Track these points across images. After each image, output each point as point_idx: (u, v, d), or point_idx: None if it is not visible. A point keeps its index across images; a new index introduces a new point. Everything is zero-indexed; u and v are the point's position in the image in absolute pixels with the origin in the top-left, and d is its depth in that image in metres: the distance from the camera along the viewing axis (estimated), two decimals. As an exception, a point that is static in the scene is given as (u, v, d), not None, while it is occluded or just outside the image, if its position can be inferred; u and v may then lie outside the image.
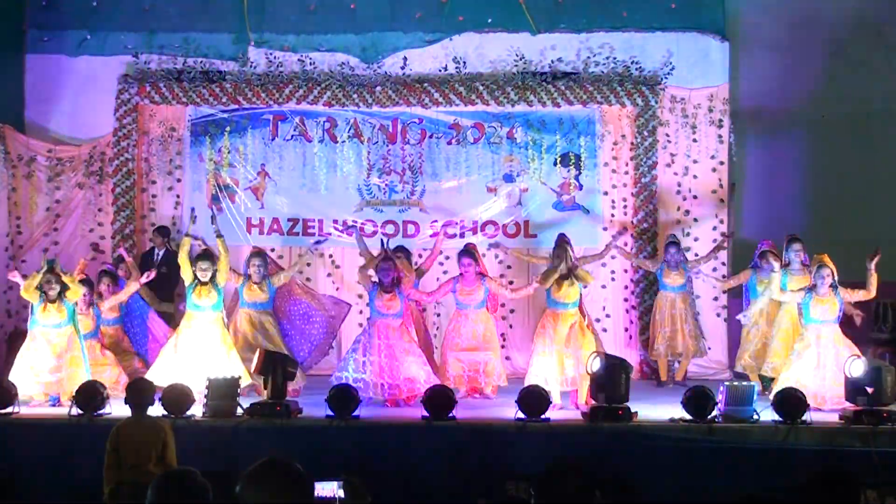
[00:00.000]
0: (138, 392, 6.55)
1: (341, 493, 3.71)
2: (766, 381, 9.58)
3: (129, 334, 10.17)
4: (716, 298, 11.74)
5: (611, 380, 7.91)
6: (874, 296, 9.08)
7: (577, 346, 9.01)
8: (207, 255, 9.34)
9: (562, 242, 9.46)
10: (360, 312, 11.80)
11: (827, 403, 8.55)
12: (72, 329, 8.79)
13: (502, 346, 10.67)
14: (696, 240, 11.78)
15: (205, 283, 9.07)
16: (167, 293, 11.22)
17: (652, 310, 11.00)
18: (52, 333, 8.73)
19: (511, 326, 11.84)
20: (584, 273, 9.34)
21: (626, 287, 11.85)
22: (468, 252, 9.90)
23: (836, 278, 8.91)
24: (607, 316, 11.82)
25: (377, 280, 9.30)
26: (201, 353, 8.84)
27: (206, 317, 9.06)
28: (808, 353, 8.79)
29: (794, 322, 9.33)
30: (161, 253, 11.34)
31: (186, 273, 9.15)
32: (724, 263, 11.78)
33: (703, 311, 11.60)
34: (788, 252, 9.73)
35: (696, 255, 11.48)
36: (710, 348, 11.20)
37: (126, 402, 6.55)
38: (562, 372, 8.97)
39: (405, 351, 9.09)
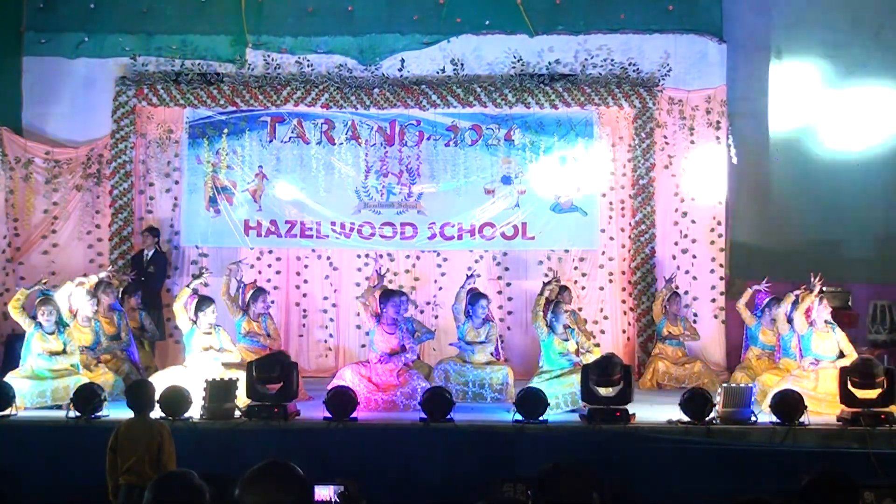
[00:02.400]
0: (138, 394, 6.56)
1: (337, 499, 3.72)
2: None
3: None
4: (713, 300, 11.74)
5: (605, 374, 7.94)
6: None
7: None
8: (209, 301, 9.11)
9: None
10: (358, 314, 11.83)
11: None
12: (68, 363, 8.68)
13: (502, 347, 10.62)
14: (693, 241, 11.79)
15: (208, 332, 8.90)
16: (154, 292, 11.24)
17: (650, 364, 10.77)
18: (48, 364, 8.62)
19: (509, 328, 11.84)
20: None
21: (624, 289, 11.85)
22: (486, 296, 9.95)
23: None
24: (605, 318, 11.82)
25: (379, 314, 9.16)
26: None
27: (213, 364, 8.86)
28: (805, 380, 8.60)
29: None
30: (150, 253, 11.36)
31: (183, 322, 8.94)
32: (721, 265, 11.78)
33: (701, 313, 11.64)
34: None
35: (694, 256, 11.60)
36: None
37: (127, 404, 6.56)
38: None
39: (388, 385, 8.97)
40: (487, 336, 9.66)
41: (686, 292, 11.53)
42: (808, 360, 8.71)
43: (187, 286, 9.24)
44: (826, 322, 8.81)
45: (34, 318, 8.70)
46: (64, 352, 8.68)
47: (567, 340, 9.06)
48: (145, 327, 10.50)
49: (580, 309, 11.36)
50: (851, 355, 8.64)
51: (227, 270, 10.07)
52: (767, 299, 10.03)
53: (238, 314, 9.74)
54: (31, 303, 8.91)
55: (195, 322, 8.91)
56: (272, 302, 10.67)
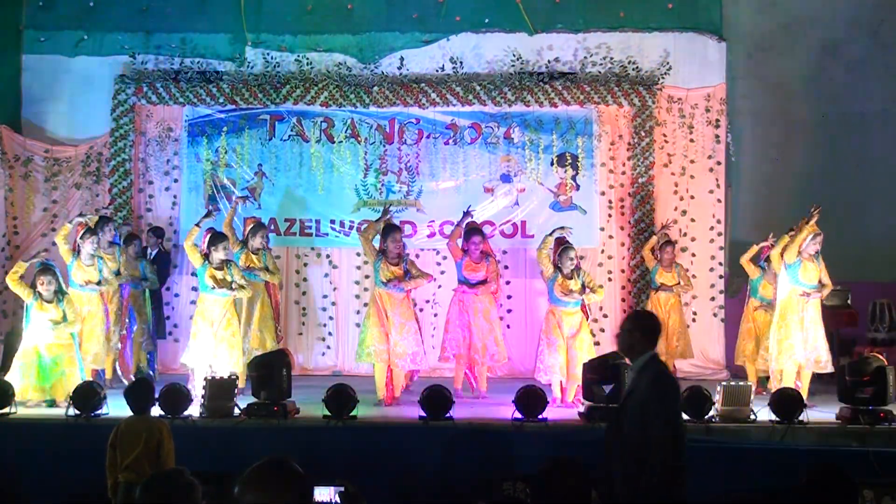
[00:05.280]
0: (137, 392, 6.59)
1: (338, 499, 3.72)
2: (763, 381, 9.75)
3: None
4: (713, 299, 11.75)
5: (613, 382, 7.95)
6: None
7: (578, 345, 9.30)
8: (222, 237, 9.38)
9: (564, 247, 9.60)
10: (358, 312, 11.85)
11: (810, 366, 8.97)
12: (69, 331, 8.83)
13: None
14: (693, 240, 11.80)
15: (219, 268, 9.14)
16: (155, 292, 11.25)
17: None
18: (49, 334, 8.74)
19: (509, 327, 11.83)
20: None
21: (624, 287, 11.85)
22: (480, 230, 10.19)
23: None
24: (604, 316, 11.82)
25: (383, 249, 9.40)
26: (220, 337, 9.06)
27: (217, 301, 9.13)
28: (795, 319, 9.09)
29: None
30: (154, 253, 11.35)
31: (195, 258, 9.19)
32: (721, 263, 11.80)
33: (700, 311, 11.65)
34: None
35: (693, 254, 11.62)
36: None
37: (127, 403, 6.59)
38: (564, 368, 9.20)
39: (402, 324, 9.32)
40: (487, 273, 9.83)
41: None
42: (799, 292, 9.12)
43: (197, 224, 9.47)
44: (811, 254, 9.20)
45: (33, 287, 8.81)
46: (64, 320, 8.79)
47: (572, 279, 9.33)
48: (146, 276, 10.63)
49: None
50: (829, 285, 9.20)
51: (235, 202, 10.92)
52: (767, 255, 10.25)
53: (237, 246, 9.89)
54: (30, 275, 9.04)
55: (207, 257, 9.09)
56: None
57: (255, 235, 10.08)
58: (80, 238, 9.51)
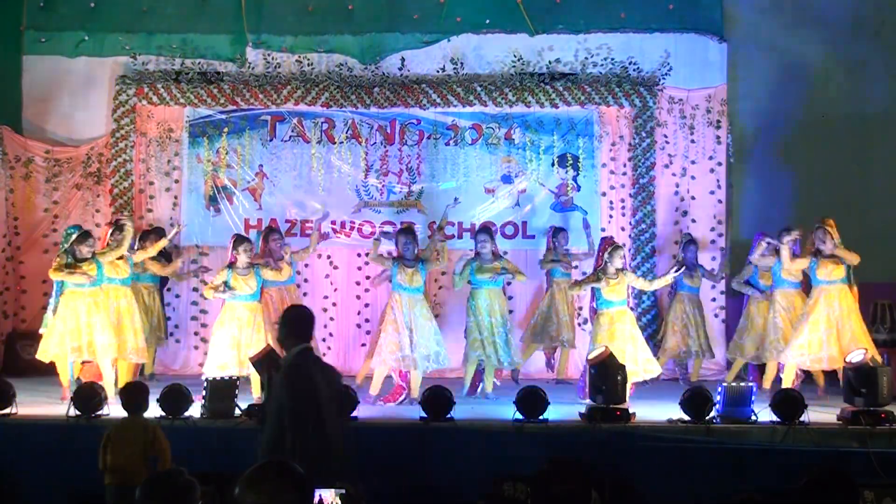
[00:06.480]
0: (130, 394, 6.59)
1: (338, 500, 3.71)
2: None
3: None
4: (714, 299, 11.74)
5: (607, 381, 7.96)
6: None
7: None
8: (245, 239, 9.59)
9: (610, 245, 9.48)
10: (359, 313, 11.86)
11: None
12: (100, 289, 8.97)
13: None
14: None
15: (246, 271, 9.25)
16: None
17: (670, 310, 10.98)
18: (80, 293, 8.84)
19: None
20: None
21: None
22: (488, 230, 10.27)
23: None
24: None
25: (398, 255, 9.53)
26: (244, 344, 9.08)
27: (246, 305, 9.22)
28: (815, 314, 9.08)
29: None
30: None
31: (223, 288, 9.22)
32: (722, 264, 11.78)
33: (701, 311, 11.65)
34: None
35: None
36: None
37: (122, 405, 6.60)
38: None
39: (422, 325, 9.37)
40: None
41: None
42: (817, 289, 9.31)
43: (209, 285, 9.52)
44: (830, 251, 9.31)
45: (71, 252, 8.96)
46: (98, 278, 8.96)
47: (616, 278, 9.10)
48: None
49: (580, 308, 11.38)
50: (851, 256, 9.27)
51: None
52: (759, 240, 10.15)
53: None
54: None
55: (233, 264, 9.23)
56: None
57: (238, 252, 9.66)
58: (110, 236, 9.57)
